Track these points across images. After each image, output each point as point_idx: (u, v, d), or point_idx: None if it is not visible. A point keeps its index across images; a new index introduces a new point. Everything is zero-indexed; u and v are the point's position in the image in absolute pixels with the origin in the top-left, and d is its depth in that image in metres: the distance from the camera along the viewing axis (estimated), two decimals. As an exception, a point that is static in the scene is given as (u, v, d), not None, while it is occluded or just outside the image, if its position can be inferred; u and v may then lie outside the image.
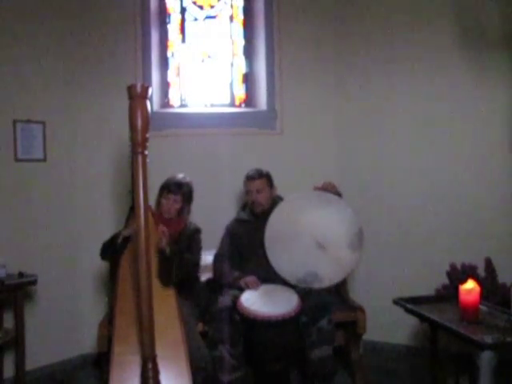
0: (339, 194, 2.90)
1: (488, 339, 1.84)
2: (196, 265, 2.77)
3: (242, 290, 2.69)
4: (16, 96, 3.17)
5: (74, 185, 3.43)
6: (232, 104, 3.78)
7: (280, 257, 2.78)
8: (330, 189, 2.86)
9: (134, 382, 1.96)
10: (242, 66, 3.79)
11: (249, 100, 3.79)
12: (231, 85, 3.79)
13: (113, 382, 2.04)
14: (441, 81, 3.32)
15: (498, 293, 2.66)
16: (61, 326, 3.30)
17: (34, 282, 2.92)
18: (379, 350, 3.44)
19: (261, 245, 2.81)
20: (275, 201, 2.96)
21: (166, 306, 2.36)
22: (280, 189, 3.02)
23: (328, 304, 2.62)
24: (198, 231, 2.83)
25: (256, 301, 2.56)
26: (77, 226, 3.42)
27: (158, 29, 3.68)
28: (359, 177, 3.59)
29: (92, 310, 3.31)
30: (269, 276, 2.77)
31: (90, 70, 3.44)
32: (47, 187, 3.30)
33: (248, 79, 3.80)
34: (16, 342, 2.86)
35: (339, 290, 3.08)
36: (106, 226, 3.23)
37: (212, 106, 3.77)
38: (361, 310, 2.85)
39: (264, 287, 2.70)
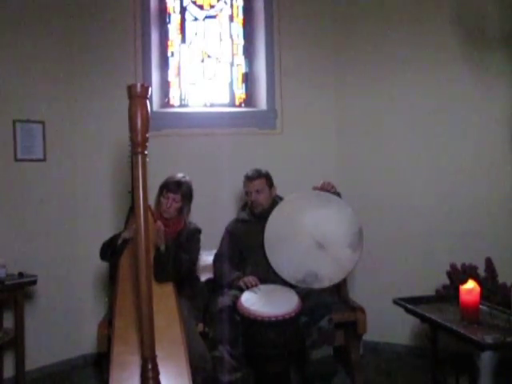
0: (338, 194, 2.90)
1: (488, 339, 1.83)
2: (193, 264, 2.77)
3: (242, 290, 2.68)
4: (16, 96, 3.17)
5: (74, 185, 3.43)
6: (232, 104, 3.77)
7: (280, 257, 2.78)
8: (329, 189, 2.87)
9: (134, 382, 1.96)
10: (241, 66, 3.79)
11: (249, 100, 3.79)
12: (231, 85, 3.79)
13: (113, 382, 2.04)
14: (441, 81, 3.32)
15: (498, 293, 2.66)
16: (61, 326, 3.30)
17: (34, 282, 2.92)
18: (379, 350, 3.44)
19: (261, 245, 2.81)
20: (275, 201, 2.96)
21: (165, 307, 2.37)
22: (280, 189, 3.02)
23: (328, 304, 2.62)
24: (197, 231, 2.83)
25: (256, 301, 2.56)
26: (77, 226, 3.42)
27: (158, 29, 3.68)
28: (359, 177, 3.59)
29: (92, 310, 3.31)
30: (269, 276, 2.77)
31: (90, 70, 3.44)
32: (47, 187, 3.30)
33: (248, 79, 3.80)
34: (16, 342, 2.86)
35: (339, 290, 3.08)
36: (106, 226, 3.24)
37: (212, 105, 3.76)
38: (361, 310, 2.85)
39: (264, 287, 2.70)
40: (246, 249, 2.91)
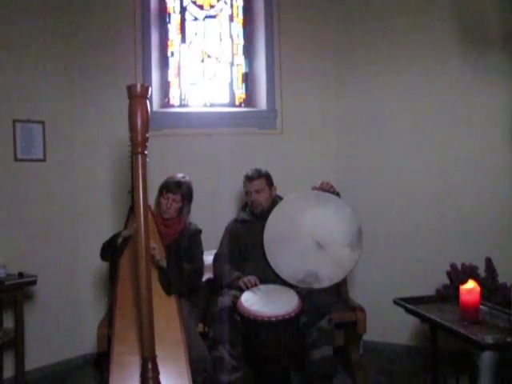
0: (337, 194, 2.90)
1: (489, 339, 1.83)
2: (200, 272, 2.75)
3: (242, 290, 2.68)
4: (16, 96, 3.16)
5: (74, 185, 3.43)
6: (232, 104, 3.77)
7: (279, 257, 2.78)
8: (328, 188, 2.87)
9: (134, 382, 1.96)
10: (241, 66, 3.79)
11: (249, 100, 3.79)
12: (231, 85, 3.79)
13: (113, 382, 2.04)
14: (441, 80, 3.32)
15: (498, 293, 2.66)
16: (61, 325, 3.30)
17: (33, 282, 2.92)
18: (379, 350, 3.44)
19: (261, 245, 2.81)
20: (275, 201, 2.96)
21: (165, 307, 2.37)
22: (280, 189, 3.02)
23: (328, 304, 2.62)
24: (198, 232, 2.83)
25: (256, 301, 2.56)
26: (77, 226, 3.42)
27: (158, 28, 3.68)
28: (359, 177, 3.59)
29: (92, 310, 3.31)
30: (269, 276, 2.77)
31: (90, 70, 3.44)
32: (47, 187, 3.29)
33: (248, 79, 3.80)
34: (16, 342, 2.86)
35: (339, 290, 3.08)
36: (106, 226, 3.24)
37: (212, 105, 3.76)
38: (361, 310, 2.84)
39: (264, 287, 2.70)
40: (246, 249, 2.91)
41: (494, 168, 3.21)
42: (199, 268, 2.75)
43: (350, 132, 3.65)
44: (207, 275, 3.05)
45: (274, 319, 2.43)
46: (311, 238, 2.78)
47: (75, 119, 3.43)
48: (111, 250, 2.59)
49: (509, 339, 1.85)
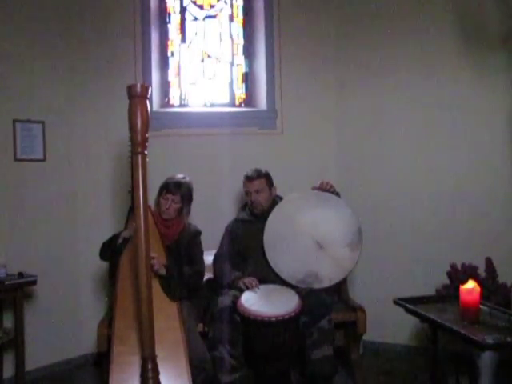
0: (337, 194, 2.90)
1: (489, 339, 1.83)
2: (200, 274, 2.75)
3: (242, 290, 2.68)
4: (16, 96, 3.16)
5: (74, 185, 3.42)
6: (232, 104, 3.77)
7: (279, 258, 2.78)
8: (328, 188, 2.87)
9: (134, 382, 1.97)
10: (241, 66, 3.79)
11: (249, 100, 3.79)
12: (231, 84, 3.79)
13: (113, 382, 2.04)
14: (441, 80, 3.32)
15: (498, 293, 2.66)
16: (61, 326, 3.30)
17: (33, 282, 2.92)
18: (379, 350, 3.44)
19: (261, 245, 2.81)
20: (275, 201, 2.96)
21: (165, 307, 2.37)
22: (280, 189, 3.02)
23: (328, 304, 2.62)
24: (198, 233, 2.83)
25: (256, 301, 2.56)
26: (77, 225, 3.42)
27: (158, 28, 3.68)
28: (359, 176, 3.59)
29: (92, 310, 3.31)
30: (268, 276, 2.76)
31: (90, 70, 3.43)
32: (47, 187, 3.29)
33: (248, 79, 3.80)
34: (16, 342, 2.86)
35: (339, 290, 3.08)
36: (106, 226, 3.24)
37: (212, 105, 3.76)
38: (361, 309, 2.84)
39: (264, 287, 2.70)
40: (246, 249, 2.91)
41: (494, 168, 3.21)
42: (200, 270, 2.74)
43: (350, 132, 3.65)
44: (207, 275, 3.04)
45: (274, 319, 2.43)
46: (311, 238, 2.77)
47: (75, 119, 3.43)
48: (111, 250, 2.59)
49: (509, 339, 1.85)
